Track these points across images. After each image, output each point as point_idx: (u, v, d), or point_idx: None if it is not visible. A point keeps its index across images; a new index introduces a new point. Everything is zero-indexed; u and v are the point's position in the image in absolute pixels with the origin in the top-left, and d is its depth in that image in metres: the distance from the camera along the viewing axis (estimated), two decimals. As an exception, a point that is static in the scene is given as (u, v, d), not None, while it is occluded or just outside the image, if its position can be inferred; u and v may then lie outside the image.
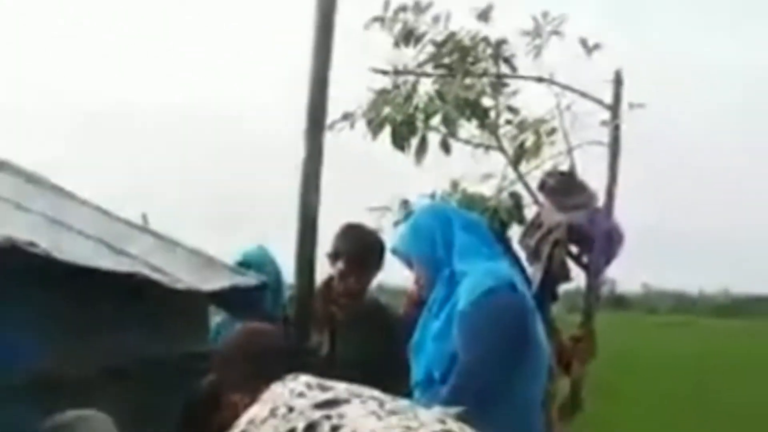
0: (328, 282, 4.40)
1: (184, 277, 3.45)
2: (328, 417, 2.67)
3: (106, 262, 3.08)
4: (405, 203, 4.85)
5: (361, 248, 4.32)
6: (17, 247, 2.61)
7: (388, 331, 4.38)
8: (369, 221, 4.62)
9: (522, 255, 4.46)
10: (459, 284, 3.58)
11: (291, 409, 2.70)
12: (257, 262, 4.49)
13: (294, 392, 2.80)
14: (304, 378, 2.91)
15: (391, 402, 2.84)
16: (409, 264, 3.84)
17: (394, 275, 4.67)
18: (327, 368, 3.04)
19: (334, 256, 4.29)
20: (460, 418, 2.96)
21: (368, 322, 4.39)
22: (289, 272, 4.51)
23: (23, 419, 2.95)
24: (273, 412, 2.70)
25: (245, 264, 4.26)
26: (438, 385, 3.57)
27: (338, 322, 4.40)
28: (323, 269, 4.35)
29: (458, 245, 3.64)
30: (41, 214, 3.23)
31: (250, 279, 3.86)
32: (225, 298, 3.83)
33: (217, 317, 4.47)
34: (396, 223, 4.71)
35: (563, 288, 4.57)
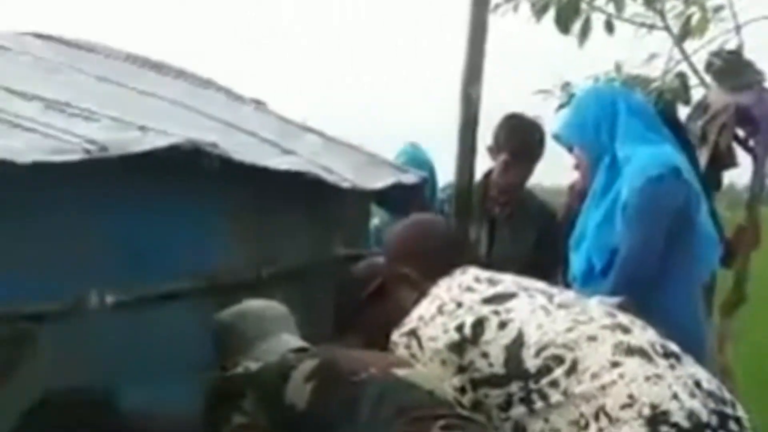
0: (487, 176, 4.50)
1: (349, 175, 3.58)
2: (496, 312, 2.75)
3: (277, 161, 3.23)
4: (567, 86, 4.90)
5: (522, 140, 4.39)
6: (199, 148, 2.76)
7: (546, 226, 4.47)
8: (531, 107, 4.69)
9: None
10: (621, 171, 3.61)
11: (459, 305, 2.77)
12: (413, 160, 4.62)
13: (462, 287, 2.86)
14: (473, 271, 2.96)
15: (560, 295, 2.90)
16: (570, 149, 3.88)
17: (551, 174, 4.75)
18: (485, 265, 3.12)
19: (495, 149, 4.37)
20: (623, 307, 3.02)
21: (526, 218, 4.48)
22: (444, 169, 4.63)
23: (200, 322, 3.13)
24: (441, 309, 2.78)
25: (411, 161, 4.39)
26: (598, 277, 3.63)
27: (496, 217, 4.50)
28: (482, 164, 4.45)
29: (622, 130, 3.66)
30: (215, 118, 3.40)
31: (412, 176, 3.97)
32: (387, 197, 3.95)
33: (374, 219, 4.63)
34: (558, 108, 4.77)
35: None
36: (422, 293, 2.89)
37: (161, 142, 2.68)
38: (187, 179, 2.94)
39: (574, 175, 4.11)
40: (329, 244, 3.74)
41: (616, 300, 3.10)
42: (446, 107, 4.05)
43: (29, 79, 3.01)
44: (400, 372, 2.61)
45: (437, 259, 2.96)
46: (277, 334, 3.01)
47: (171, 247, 3.08)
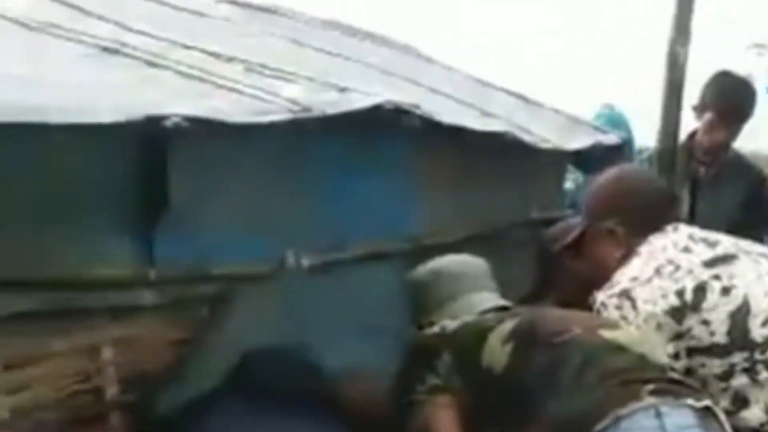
0: (692, 137, 4.31)
1: (548, 136, 3.49)
2: (718, 277, 2.59)
3: (477, 123, 3.17)
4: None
5: (730, 99, 4.18)
6: (401, 108, 2.72)
7: (753, 188, 4.25)
8: (743, 65, 4.46)
9: None
10: None
11: (677, 267, 2.62)
12: (610, 121, 4.47)
13: (678, 246, 2.70)
14: (686, 229, 2.81)
15: (786, 261, 2.72)
16: None
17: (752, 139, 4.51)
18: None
19: (701, 108, 4.17)
20: None
21: (732, 180, 4.27)
22: (640, 132, 4.48)
23: (400, 283, 3.07)
24: (658, 271, 2.63)
25: (608, 123, 4.26)
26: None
27: (700, 179, 4.31)
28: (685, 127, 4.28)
29: None
30: (412, 80, 3.36)
31: (611, 137, 3.85)
32: (585, 158, 3.83)
33: (567, 183, 4.51)
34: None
35: None
36: (629, 251, 2.75)
37: (363, 102, 2.65)
38: (389, 140, 2.91)
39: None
40: (526, 206, 3.67)
41: None
42: (649, 68, 3.91)
43: (227, 42, 3.02)
44: (607, 334, 2.47)
45: (647, 214, 2.80)
46: (474, 292, 2.90)
47: (371, 208, 3.06)
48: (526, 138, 3.33)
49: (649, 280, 2.62)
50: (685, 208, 4.26)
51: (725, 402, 2.49)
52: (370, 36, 3.84)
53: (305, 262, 2.92)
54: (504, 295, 2.96)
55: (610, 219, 2.82)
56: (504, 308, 2.84)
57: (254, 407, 2.57)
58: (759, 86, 4.18)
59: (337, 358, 2.96)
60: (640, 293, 2.61)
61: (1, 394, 2.37)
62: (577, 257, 2.98)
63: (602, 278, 2.75)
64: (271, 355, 2.76)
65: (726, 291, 2.55)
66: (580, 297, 2.76)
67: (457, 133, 2.99)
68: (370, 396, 2.89)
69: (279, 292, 2.88)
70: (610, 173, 3.01)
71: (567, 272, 3.06)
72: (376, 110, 2.66)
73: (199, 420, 2.53)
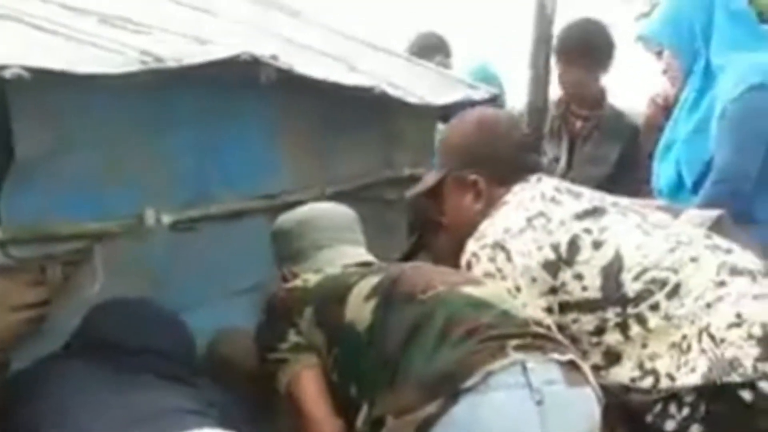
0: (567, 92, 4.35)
1: (418, 91, 3.48)
2: (589, 231, 2.60)
3: (343, 77, 3.14)
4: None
5: (575, 38, 4.19)
6: (260, 60, 2.68)
7: (629, 141, 4.31)
8: (612, 14, 4.52)
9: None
10: (716, 79, 3.43)
11: (549, 219, 2.62)
12: (482, 78, 4.49)
13: (546, 197, 2.70)
14: (550, 180, 2.81)
15: (652, 214, 2.76)
16: (659, 53, 3.69)
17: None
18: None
19: (556, 56, 4.18)
20: (721, 220, 2.87)
21: (609, 133, 4.32)
22: (515, 88, 4.52)
23: (257, 239, 3.06)
24: (530, 222, 2.63)
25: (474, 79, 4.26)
26: (688, 192, 3.47)
27: (577, 134, 4.36)
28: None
29: (719, 33, 3.46)
30: (279, 35, 3.31)
31: (482, 92, 3.85)
32: (455, 113, 3.84)
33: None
34: (639, 17, 4.59)
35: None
36: (491, 201, 2.73)
37: (219, 54, 2.60)
38: (248, 93, 2.86)
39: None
40: (394, 162, 3.66)
41: (714, 213, 2.92)
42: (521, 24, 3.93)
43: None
44: (471, 290, 2.47)
45: (509, 163, 2.77)
46: (340, 244, 2.86)
47: (232, 163, 3.02)
48: (393, 92, 3.31)
49: (522, 231, 2.60)
50: (562, 165, 4.31)
51: (597, 358, 2.52)
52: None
53: (166, 219, 2.87)
54: (374, 253, 2.93)
55: (470, 168, 2.79)
56: (369, 263, 2.81)
57: (107, 367, 2.51)
58: (627, 36, 4.22)
59: (203, 317, 2.94)
60: (513, 245, 2.59)
61: None
62: (436, 208, 2.94)
63: (463, 230, 2.73)
64: (119, 309, 2.71)
65: (597, 245, 2.56)
66: (452, 258, 2.73)
67: (321, 86, 2.96)
68: (242, 355, 2.87)
69: (138, 251, 2.83)
70: (469, 117, 2.95)
71: (439, 232, 3.02)
72: (233, 61, 2.60)
73: (37, 383, 2.47)
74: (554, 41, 4.10)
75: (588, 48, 4.20)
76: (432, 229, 3.12)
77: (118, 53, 2.41)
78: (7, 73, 2.06)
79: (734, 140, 3.33)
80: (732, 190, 3.24)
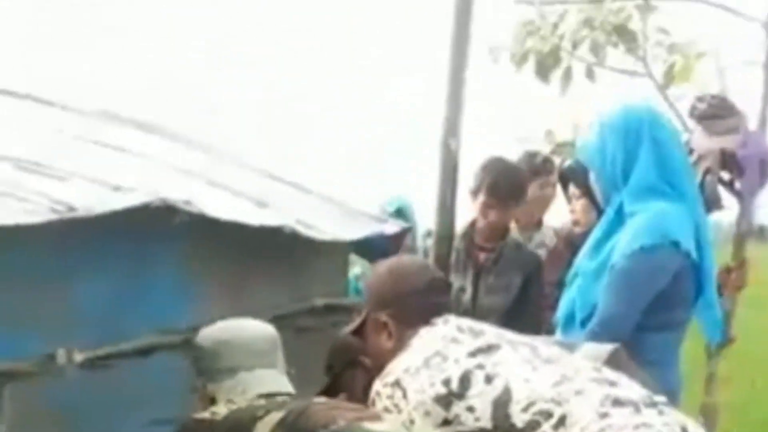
0: (472, 224, 4.53)
1: (327, 227, 3.61)
2: (481, 366, 2.75)
3: (254, 217, 3.26)
4: (550, 134, 4.95)
5: (501, 180, 4.40)
6: (172, 206, 2.79)
7: (531, 272, 4.48)
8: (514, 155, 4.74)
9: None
10: (624, 223, 3.46)
11: (445, 358, 2.76)
12: (398, 211, 4.66)
13: (447, 338, 2.83)
14: (454, 320, 2.91)
15: (545, 348, 2.91)
16: (579, 185, 3.81)
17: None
18: (469, 314, 3.08)
19: (475, 191, 4.37)
20: (617, 355, 3.01)
21: (512, 264, 4.49)
22: (427, 219, 4.68)
23: (172, 373, 3.14)
24: (427, 363, 2.76)
25: (396, 213, 4.44)
26: (577, 327, 3.60)
27: (482, 266, 4.52)
28: (463, 215, 4.48)
29: (638, 171, 3.46)
30: (192, 173, 3.43)
31: (391, 226, 4.00)
32: (366, 247, 3.97)
33: (355, 268, 4.65)
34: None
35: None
36: (401, 342, 2.84)
37: (132, 201, 2.71)
38: (161, 236, 2.97)
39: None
40: (308, 294, 3.76)
41: (609, 348, 3.04)
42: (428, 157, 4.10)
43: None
44: (370, 425, 2.61)
45: (418, 307, 2.87)
46: (257, 368, 2.93)
47: (145, 303, 3.11)
48: (305, 231, 3.44)
49: (418, 370, 2.74)
50: (467, 296, 4.47)
51: None
52: (151, 127, 3.89)
53: (77, 357, 2.93)
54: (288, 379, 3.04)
55: (382, 311, 2.91)
56: (277, 394, 2.90)
57: None
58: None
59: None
60: (410, 383, 2.73)
61: None
62: (361, 348, 3.00)
63: (378, 368, 2.88)
64: None
65: (489, 379, 2.68)
66: (366, 397, 2.83)
67: (232, 227, 3.08)
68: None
69: (51, 389, 2.89)
70: (384, 265, 3.07)
71: (354, 369, 3.12)
72: (146, 209, 2.72)
73: None
74: (476, 180, 4.32)
75: (514, 191, 4.41)
76: (350, 369, 3.24)
77: (31, 202, 2.51)
78: None
79: (619, 294, 3.40)
80: (611, 339, 3.35)
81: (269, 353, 3.01)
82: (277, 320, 3.53)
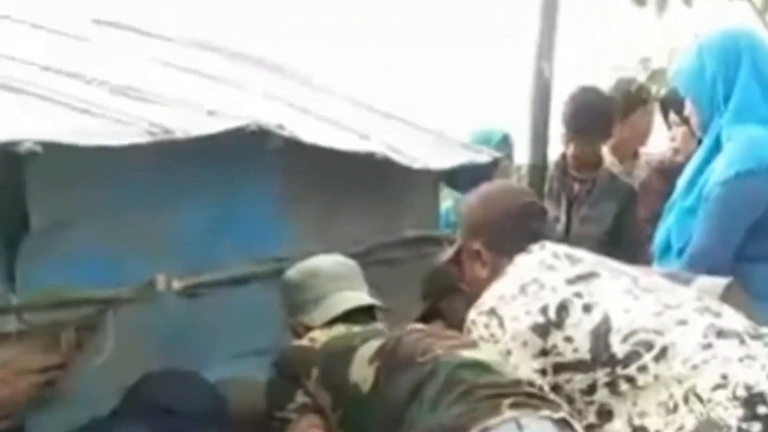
0: (565, 154, 4.46)
1: (420, 155, 3.57)
2: (579, 295, 2.69)
3: (347, 143, 3.23)
4: (645, 61, 4.83)
5: (582, 113, 4.31)
6: (266, 130, 2.77)
7: (625, 203, 4.41)
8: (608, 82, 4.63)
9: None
10: (721, 151, 3.40)
11: (542, 285, 2.71)
12: (487, 140, 4.59)
13: (543, 264, 2.79)
14: (551, 247, 2.88)
15: (645, 278, 2.84)
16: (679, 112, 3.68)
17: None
18: (562, 243, 3.02)
19: (564, 125, 4.30)
20: (731, 287, 2.93)
21: (605, 195, 4.43)
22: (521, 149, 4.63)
23: (264, 303, 3.16)
24: (523, 289, 2.73)
25: (485, 141, 4.37)
26: (673, 258, 3.52)
27: (574, 196, 4.45)
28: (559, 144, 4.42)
29: (738, 93, 3.38)
30: (284, 101, 3.41)
31: (483, 155, 3.94)
32: (458, 176, 3.92)
33: (446, 201, 4.61)
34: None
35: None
36: (496, 270, 2.83)
37: (227, 124, 2.69)
38: (255, 162, 2.96)
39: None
40: (399, 225, 3.74)
41: (724, 281, 2.95)
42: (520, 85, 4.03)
43: (92, 64, 3.04)
44: (467, 353, 2.59)
45: (511, 234, 2.86)
46: (342, 291, 2.98)
47: (239, 230, 3.11)
48: (396, 158, 3.40)
49: (515, 298, 2.71)
50: (561, 226, 4.41)
51: (591, 416, 2.57)
52: (242, 56, 3.88)
53: (175, 284, 2.96)
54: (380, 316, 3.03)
55: (475, 239, 2.90)
56: (373, 313, 2.96)
57: (155, 429, 2.61)
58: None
59: (210, 380, 3.01)
60: (506, 311, 2.70)
61: None
62: (459, 275, 3.03)
63: (474, 298, 2.84)
64: (168, 377, 2.84)
65: (587, 308, 2.63)
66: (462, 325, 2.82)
67: (325, 153, 3.05)
68: (248, 415, 2.96)
69: (150, 316, 2.92)
70: (477, 192, 3.06)
71: (454, 300, 3.12)
72: (240, 132, 2.70)
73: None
74: (563, 114, 4.24)
75: (600, 126, 4.33)
76: (447, 297, 3.22)
77: (127, 124, 2.50)
78: (22, 148, 2.15)
79: (714, 223, 3.34)
80: (707, 271, 3.27)
81: (352, 278, 3.06)
82: (367, 252, 3.55)
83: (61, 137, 2.25)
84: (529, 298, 2.69)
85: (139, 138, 2.44)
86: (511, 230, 2.88)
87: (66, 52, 3.18)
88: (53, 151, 2.22)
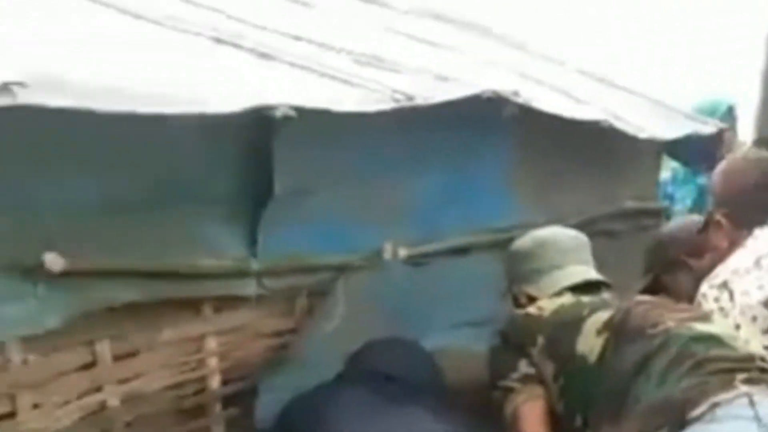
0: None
1: (644, 124, 3.45)
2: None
3: (572, 110, 3.15)
4: None
5: None
6: (503, 97, 2.72)
7: None
8: None
9: None
10: None
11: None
12: (713, 109, 4.41)
13: None
14: None
15: None
16: None
17: None
18: None
19: None
20: None
21: None
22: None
23: (485, 274, 3.13)
24: (758, 263, 2.61)
25: (701, 112, 4.20)
26: None
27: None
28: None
29: None
30: (511, 69, 3.36)
31: (708, 126, 3.80)
32: (680, 147, 3.79)
33: (664, 172, 4.46)
34: None
35: None
36: (734, 243, 2.72)
37: (464, 91, 2.65)
38: (487, 130, 2.91)
39: None
40: (620, 196, 3.64)
41: None
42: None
43: (333, 33, 3.05)
44: (700, 326, 2.47)
45: (745, 203, 2.76)
46: (570, 264, 2.89)
47: (466, 199, 3.07)
48: (622, 126, 3.30)
49: (748, 271, 2.60)
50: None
51: None
52: (465, 24, 3.84)
53: (402, 252, 2.95)
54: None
55: (719, 210, 2.83)
56: (599, 284, 2.86)
57: (377, 396, 2.62)
58: None
59: (429, 348, 3.00)
60: (737, 285, 2.59)
61: (113, 383, 2.45)
62: (687, 248, 3.00)
63: (705, 270, 2.75)
64: (390, 344, 2.83)
65: None
66: (688, 300, 2.74)
67: (552, 121, 2.98)
68: (464, 385, 2.94)
69: (376, 283, 2.92)
70: (722, 163, 2.99)
71: (678, 273, 3.06)
72: (477, 99, 2.65)
73: (319, 409, 2.59)
74: None
75: None
76: (671, 270, 3.12)
77: (373, 92, 2.49)
78: (277, 113, 2.15)
79: None
80: None
81: (580, 251, 2.97)
82: (588, 223, 3.47)
83: (313, 103, 2.25)
84: (763, 272, 2.58)
85: (384, 105, 2.42)
86: (751, 203, 2.77)
87: (305, 21, 3.20)
88: (303, 117, 2.22)
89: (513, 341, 2.75)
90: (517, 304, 2.93)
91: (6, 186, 2.04)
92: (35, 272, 2.13)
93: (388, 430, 2.49)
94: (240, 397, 2.78)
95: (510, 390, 2.69)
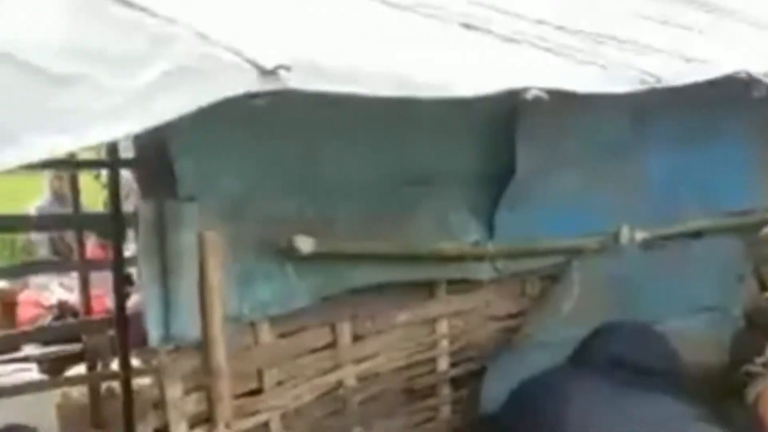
0: None
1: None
2: None
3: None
4: None
5: None
6: (754, 77, 2.57)
7: None
8: None
9: None
10: None
11: None
12: None
13: None
14: None
15: None
16: None
17: None
18: None
19: None
20: None
21: None
22: None
23: (723, 257, 3.01)
24: None
25: None
26: None
27: None
28: None
29: None
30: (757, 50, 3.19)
31: None
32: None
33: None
34: None
35: None
36: None
37: (713, 72, 2.52)
38: (731, 111, 2.78)
39: None
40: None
41: None
42: None
43: (572, 15, 2.96)
44: None
45: None
46: None
47: (707, 182, 2.95)
48: None
49: None
50: None
51: None
52: (704, 4, 3.67)
53: (638, 236, 2.86)
54: None
55: None
56: None
57: (610, 381, 2.57)
58: None
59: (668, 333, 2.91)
60: None
61: (350, 363, 2.48)
62: None
63: None
64: (623, 329, 2.78)
65: None
66: None
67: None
68: (699, 371, 2.84)
69: (611, 266, 2.85)
70: None
71: None
72: (728, 80, 2.52)
73: (552, 393, 2.55)
74: None
75: None
76: None
77: (621, 73, 2.40)
78: (529, 95, 2.10)
79: None
80: None
81: None
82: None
83: (561, 85, 2.19)
84: None
85: (632, 86, 2.33)
86: None
87: (544, 4, 3.13)
88: (554, 98, 2.15)
89: (759, 324, 2.67)
90: (764, 288, 2.83)
91: (263, 170, 2.08)
92: (286, 253, 2.17)
93: (626, 413, 2.46)
94: (467, 378, 2.79)
95: (754, 375, 2.62)
